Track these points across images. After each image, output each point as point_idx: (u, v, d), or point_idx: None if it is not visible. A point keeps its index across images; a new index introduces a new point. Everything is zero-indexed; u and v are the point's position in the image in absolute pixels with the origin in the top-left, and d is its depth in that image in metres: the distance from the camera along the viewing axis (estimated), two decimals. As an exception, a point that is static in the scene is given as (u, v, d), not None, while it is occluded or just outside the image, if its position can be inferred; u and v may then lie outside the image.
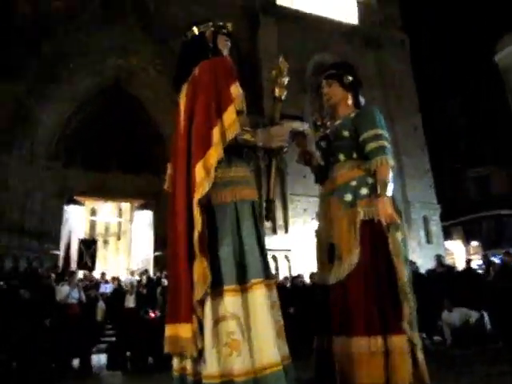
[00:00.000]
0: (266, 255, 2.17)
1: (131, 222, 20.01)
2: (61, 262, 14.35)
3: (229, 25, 2.57)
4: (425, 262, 14.85)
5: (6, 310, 6.24)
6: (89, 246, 14.73)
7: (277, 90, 2.50)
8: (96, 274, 13.66)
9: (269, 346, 1.92)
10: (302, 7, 19.18)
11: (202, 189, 2.05)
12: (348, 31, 19.79)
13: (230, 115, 2.13)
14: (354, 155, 2.85)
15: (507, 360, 4.82)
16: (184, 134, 2.27)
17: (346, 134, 2.88)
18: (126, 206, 20.39)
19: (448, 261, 20.06)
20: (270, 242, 14.46)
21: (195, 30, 2.49)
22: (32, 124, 14.79)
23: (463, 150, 24.04)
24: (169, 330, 2.10)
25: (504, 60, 21.36)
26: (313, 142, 3.03)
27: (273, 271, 13.86)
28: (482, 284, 7.37)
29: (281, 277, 13.01)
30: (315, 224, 3.09)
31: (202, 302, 1.98)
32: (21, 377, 5.95)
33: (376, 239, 2.59)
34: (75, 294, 6.71)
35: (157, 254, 16.65)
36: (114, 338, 7.31)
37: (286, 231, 15.49)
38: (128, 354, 7.03)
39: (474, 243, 23.89)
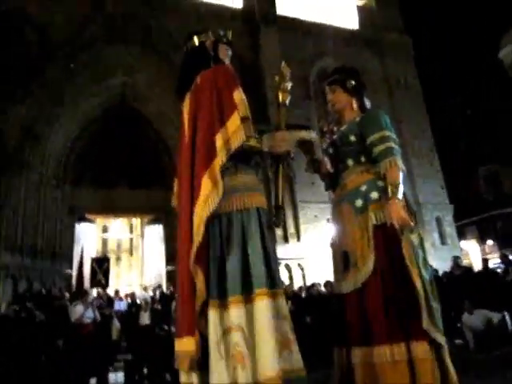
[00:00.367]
0: (274, 264, 2.11)
1: (142, 237, 20.04)
2: (74, 281, 14.34)
3: (229, 33, 2.57)
4: (440, 264, 14.63)
5: (22, 332, 6.22)
6: (101, 264, 14.68)
7: (280, 96, 2.48)
8: (109, 292, 13.65)
9: (267, 359, 1.86)
10: (302, 15, 19.28)
11: (210, 201, 2.00)
12: (349, 36, 19.85)
13: (234, 122, 2.10)
14: (363, 159, 2.79)
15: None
16: (188, 143, 2.25)
17: (352, 138, 2.82)
18: (136, 221, 20.45)
19: (464, 261, 19.78)
20: (282, 250, 14.37)
21: (195, 40, 2.49)
22: (40, 146, 14.96)
23: (473, 149, 23.81)
24: (178, 346, 2.06)
25: (509, 56, 21.17)
26: (320, 150, 2.98)
27: (286, 280, 13.86)
28: (501, 284, 7.20)
29: (295, 286, 12.94)
30: (328, 229, 3.04)
31: (204, 314, 1.95)
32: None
33: (390, 243, 2.51)
34: (89, 313, 6.67)
35: (169, 268, 16.62)
36: (130, 356, 7.24)
37: (298, 239, 15.39)
38: (145, 371, 6.99)
39: (490, 242, 23.54)
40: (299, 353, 2.01)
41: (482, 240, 23.90)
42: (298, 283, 14.42)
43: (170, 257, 16.09)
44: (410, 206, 2.70)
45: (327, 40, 18.78)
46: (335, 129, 3.22)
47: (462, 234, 21.47)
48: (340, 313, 2.65)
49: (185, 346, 1.97)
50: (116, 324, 7.16)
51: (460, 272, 7.04)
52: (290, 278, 14.82)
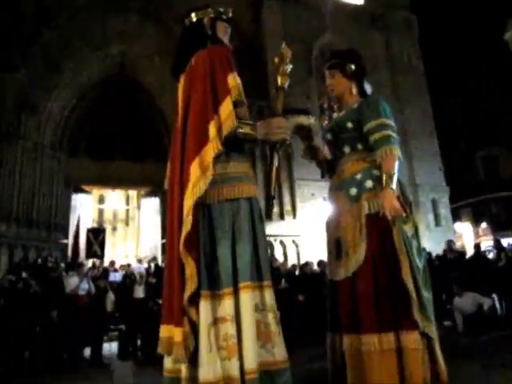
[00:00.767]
0: (263, 256, 2.08)
1: (139, 209, 20.08)
2: (69, 251, 14.43)
3: (229, 10, 2.44)
4: (434, 246, 14.80)
5: (17, 301, 6.28)
6: (97, 235, 14.76)
7: (279, 79, 2.37)
8: (105, 262, 13.75)
9: (248, 352, 1.87)
10: (306, -12, 18.76)
11: (197, 189, 1.95)
12: (353, 11, 19.41)
13: (226, 107, 2.02)
14: (359, 147, 2.76)
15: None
16: (180, 127, 2.18)
17: (349, 125, 2.78)
18: (133, 193, 20.45)
19: (457, 243, 19.99)
20: (277, 227, 14.46)
21: (193, 16, 2.37)
22: (36, 114, 14.76)
23: (472, 132, 23.72)
24: (163, 332, 2.03)
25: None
26: (318, 136, 2.92)
27: (281, 257, 13.95)
28: (493, 269, 7.29)
29: (289, 263, 13.06)
30: (324, 208, 3.03)
31: (196, 304, 1.92)
32: (33, 366, 6.03)
33: (383, 233, 2.50)
34: (84, 285, 6.73)
35: (164, 241, 16.68)
36: (123, 327, 7.35)
37: (294, 216, 15.43)
38: (139, 343, 7.11)
39: (483, 225, 23.74)
40: (283, 345, 2.01)
41: (476, 222, 24.10)
42: (292, 260, 14.58)
43: (166, 230, 16.16)
44: (405, 196, 2.69)
45: (331, 15, 18.39)
46: (336, 106, 3.17)
47: (456, 216, 21.62)
48: (333, 299, 2.68)
49: (171, 334, 1.95)
50: (110, 296, 7.23)
51: (453, 256, 7.10)
52: (285, 254, 14.96)
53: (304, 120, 2.58)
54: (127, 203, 20.46)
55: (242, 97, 2.09)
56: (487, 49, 21.43)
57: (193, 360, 1.89)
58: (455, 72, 22.88)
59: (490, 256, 9.69)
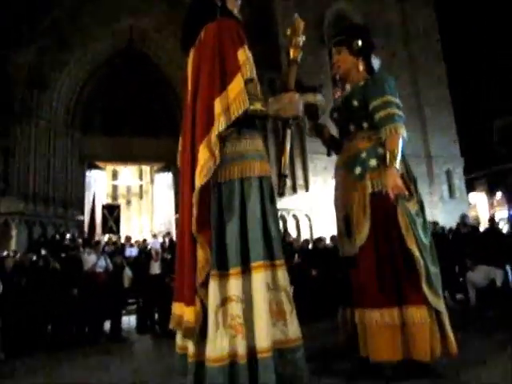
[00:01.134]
0: (275, 235, 2.06)
1: (152, 184, 20.24)
2: (86, 228, 14.73)
3: None
4: (447, 217, 14.70)
5: (38, 279, 6.47)
6: (112, 211, 15.02)
7: (291, 52, 2.32)
8: (121, 238, 14.00)
9: (261, 331, 1.88)
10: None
11: (206, 171, 1.92)
12: (368, -22, 18.73)
13: (236, 85, 1.96)
14: (365, 125, 2.78)
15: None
16: (190, 104, 2.13)
17: (355, 103, 2.79)
18: (146, 168, 20.56)
19: (471, 213, 19.85)
20: (290, 200, 14.47)
21: None
22: (48, 92, 14.79)
23: (489, 101, 23.10)
24: (175, 308, 2.07)
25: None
26: (325, 113, 2.91)
27: (294, 231, 14.02)
28: (506, 243, 7.26)
29: (302, 236, 13.16)
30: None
31: (206, 284, 1.94)
32: (55, 340, 6.25)
33: (386, 211, 2.55)
34: (102, 262, 6.89)
35: (178, 216, 16.86)
36: (141, 302, 7.53)
37: (307, 190, 15.42)
38: (156, 317, 7.30)
39: (498, 195, 23.43)
40: (296, 322, 2.02)
41: (490, 193, 23.78)
42: (305, 233, 14.68)
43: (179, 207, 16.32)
44: (409, 173, 2.73)
45: (343, -19, 17.81)
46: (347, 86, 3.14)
47: (471, 187, 21.34)
48: (344, 275, 2.75)
49: (184, 313, 1.97)
50: (128, 273, 7.39)
51: (466, 230, 7.08)
52: (298, 228, 15.05)
53: (310, 98, 2.53)
54: (140, 178, 20.61)
55: (254, 72, 2.02)
56: (505, 15, 20.62)
57: (200, 338, 1.93)
58: (471, 40, 22.14)
59: (505, 228, 9.64)
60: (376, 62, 2.93)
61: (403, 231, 2.49)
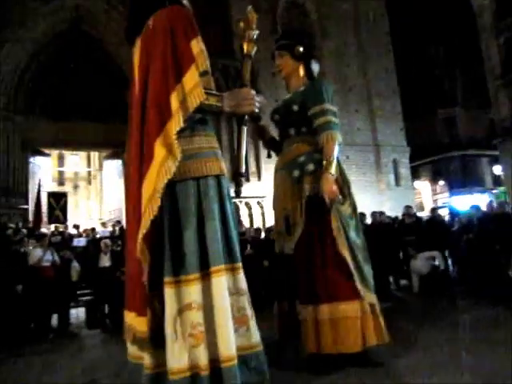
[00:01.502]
0: (234, 237, 1.98)
1: (101, 171, 19.64)
2: (31, 217, 14.07)
3: None
4: (393, 204, 15.35)
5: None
6: (59, 199, 14.42)
7: (245, 46, 2.27)
8: (68, 227, 13.52)
9: (225, 339, 1.81)
10: None
11: (164, 172, 1.77)
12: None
13: (191, 78, 1.84)
14: (304, 130, 2.93)
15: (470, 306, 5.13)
16: (138, 99, 1.99)
17: (295, 108, 2.92)
18: (94, 154, 19.91)
19: (416, 199, 20.82)
20: (242, 189, 14.47)
21: None
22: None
23: (433, 92, 24.11)
24: (126, 317, 1.97)
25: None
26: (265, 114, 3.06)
27: (246, 219, 14.09)
28: (446, 231, 7.73)
29: (255, 225, 13.29)
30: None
31: (159, 293, 1.85)
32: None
33: (320, 214, 2.73)
34: (48, 256, 6.63)
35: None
36: (90, 297, 7.35)
37: (259, 178, 15.54)
38: (106, 311, 7.15)
39: (441, 182, 24.71)
40: (256, 327, 1.98)
41: (434, 180, 25.04)
42: (257, 221, 14.83)
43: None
44: (344, 176, 2.91)
45: (297, -30, 17.82)
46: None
47: (416, 175, 22.37)
48: (283, 271, 2.90)
49: (137, 324, 1.87)
50: (75, 266, 7.16)
51: (410, 221, 7.50)
52: (250, 215, 15.17)
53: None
54: (89, 165, 19.96)
55: (207, 64, 1.93)
56: (452, 8, 21.44)
57: (156, 348, 1.84)
58: (419, 31, 22.89)
59: (446, 217, 10.23)
60: (316, 68, 3.09)
61: (335, 233, 2.68)
